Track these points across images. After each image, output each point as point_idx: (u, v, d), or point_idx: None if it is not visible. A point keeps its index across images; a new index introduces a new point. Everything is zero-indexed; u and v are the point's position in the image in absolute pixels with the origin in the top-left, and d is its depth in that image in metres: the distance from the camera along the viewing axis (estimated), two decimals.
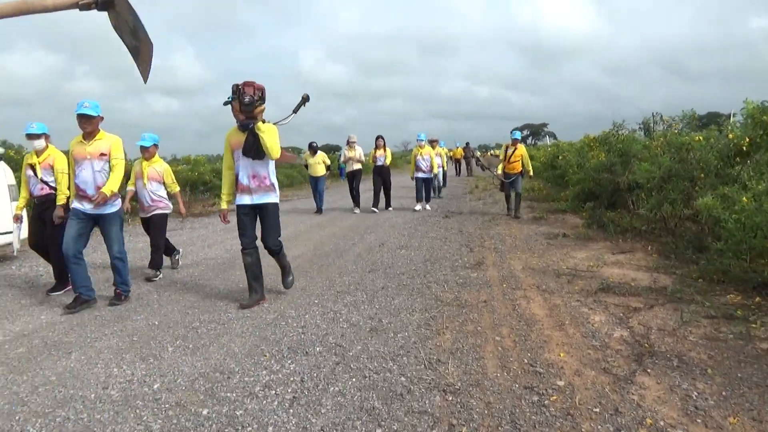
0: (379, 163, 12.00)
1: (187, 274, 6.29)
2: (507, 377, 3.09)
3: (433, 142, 14.51)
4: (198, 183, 15.89)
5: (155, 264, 6.16)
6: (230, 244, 7.98)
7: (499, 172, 10.32)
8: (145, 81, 2.23)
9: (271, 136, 4.44)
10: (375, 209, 11.81)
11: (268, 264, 5.21)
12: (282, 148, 4.65)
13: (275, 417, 2.73)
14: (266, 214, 4.72)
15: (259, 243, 4.81)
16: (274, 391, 3.02)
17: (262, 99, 4.44)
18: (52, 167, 5.32)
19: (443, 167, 15.62)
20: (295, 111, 4.69)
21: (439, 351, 3.52)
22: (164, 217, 6.36)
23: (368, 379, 3.14)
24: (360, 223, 10.30)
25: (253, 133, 4.43)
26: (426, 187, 12.13)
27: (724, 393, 2.81)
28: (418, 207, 11.85)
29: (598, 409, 2.68)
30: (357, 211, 11.98)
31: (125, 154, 5.65)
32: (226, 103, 4.50)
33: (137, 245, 8.07)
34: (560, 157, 14.39)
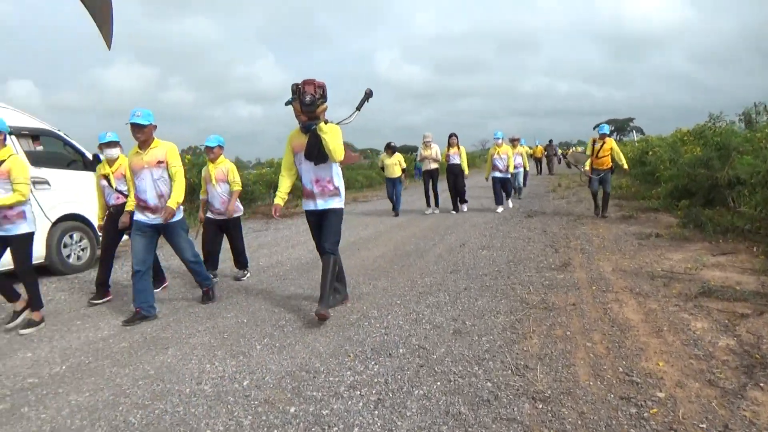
0: (452, 161, 11.68)
1: (273, 273, 6.47)
2: (601, 386, 2.93)
3: (514, 141, 14.12)
4: None
5: (242, 264, 6.37)
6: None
7: (587, 168, 9.79)
8: (109, 47, 2.03)
9: (334, 137, 4.19)
10: (454, 210, 11.66)
11: (348, 265, 5.24)
12: (345, 147, 4.46)
13: (361, 418, 2.73)
14: (328, 218, 4.46)
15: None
16: (359, 392, 3.03)
17: (324, 97, 4.19)
18: (124, 176, 5.43)
19: (525, 166, 15.05)
20: (358, 108, 4.48)
21: (526, 356, 3.39)
22: (237, 220, 6.37)
23: (453, 383, 3.07)
24: (440, 223, 10.22)
25: (315, 135, 4.21)
26: (504, 187, 11.74)
27: None
28: (499, 209, 11.45)
29: (704, 425, 2.48)
30: (434, 211, 11.83)
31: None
32: (287, 104, 4.26)
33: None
34: (650, 153, 13.62)
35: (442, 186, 12.33)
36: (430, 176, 11.93)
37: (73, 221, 7.27)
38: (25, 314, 4.82)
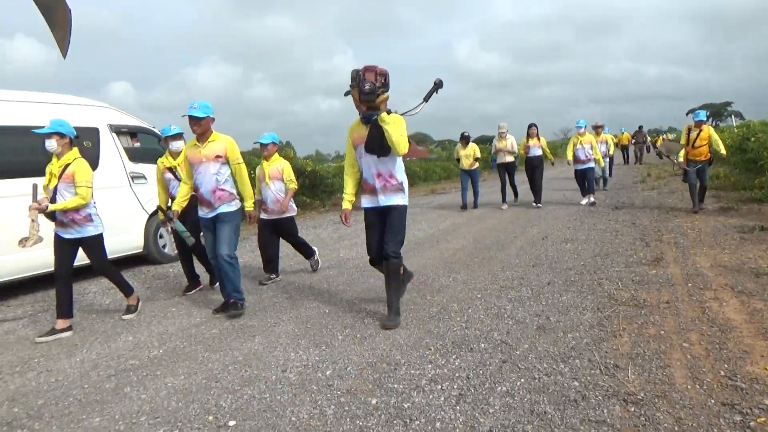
0: (532, 153, 11.11)
1: (353, 265, 6.57)
2: (700, 390, 2.74)
3: (597, 128, 13.45)
4: None
5: (308, 254, 6.37)
6: None
7: (681, 159, 9.02)
8: (64, 56, 1.98)
9: (397, 129, 3.85)
10: (535, 204, 11.06)
11: (427, 257, 5.21)
12: (411, 140, 4.33)
13: (442, 413, 2.71)
14: (391, 216, 4.11)
15: None
16: (440, 386, 3.01)
17: (386, 86, 3.87)
18: None
19: (609, 155, 14.26)
20: (426, 99, 4.15)
21: (616, 355, 3.24)
22: (291, 219, 6.20)
23: (538, 380, 2.98)
24: (520, 215, 9.97)
25: (376, 126, 3.90)
26: (588, 178, 10.96)
27: None
28: (584, 201, 10.86)
29: None
30: (505, 206, 11.31)
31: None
32: (346, 94, 3.98)
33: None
34: (752, 139, 12.57)
35: (521, 177, 11.92)
36: (506, 169, 11.47)
37: None
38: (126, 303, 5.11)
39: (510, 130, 11.51)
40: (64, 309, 4.61)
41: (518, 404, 2.74)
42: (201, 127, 4.53)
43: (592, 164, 10.87)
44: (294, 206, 6.27)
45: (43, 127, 4.50)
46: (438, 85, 4.18)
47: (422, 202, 14.56)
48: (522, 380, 3.00)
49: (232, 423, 2.78)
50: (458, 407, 2.76)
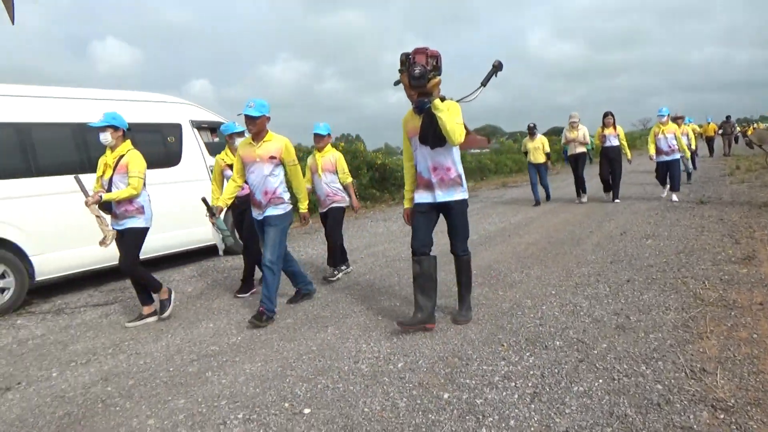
0: (609, 144, 10.41)
1: None
2: None
3: (677, 119, 12.67)
4: None
5: (333, 261, 5.92)
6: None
7: None
8: (12, 21, 1.91)
9: (451, 116, 3.56)
10: (613, 198, 10.51)
11: (499, 252, 5.12)
12: (470, 129, 3.98)
13: (516, 411, 2.66)
14: (453, 215, 3.89)
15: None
16: (513, 383, 2.95)
17: (438, 69, 3.56)
18: None
19: (693, 147, 13.33)
20: (483, 83, 3.83)
21: (703, 358, 3.06)
22: (341, 210, 5.94)
23: (617, 381, 2.87)
24: (596, 209, 9.61)
25: (429, 114, 3.60)
26: (670, 172, 10.05)
27: None
28: (664, 194, 10.29)
29: None
30: (583, 200, 10.82)
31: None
32: (396, 83, 3.70)
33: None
34: None
35: (592, 171, 11.38)
36: (576, 161, 10.87)
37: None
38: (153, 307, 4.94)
39: (582, 121, 10.92)
40: (145, 297, 4.85)
41: (596, 405, 2.65)
42: (256, 126, 4.43)
43: (676, 156, 9.89)
44: (346, 197, 5.99)
45: (102, 119, 4.55)
46: (497, 67, 3.87)
47: (493, 195, 14.33)
48: (600, 381, 2.90)
49: (307, 411, 2.85)
50: (533, 406, 2.70)
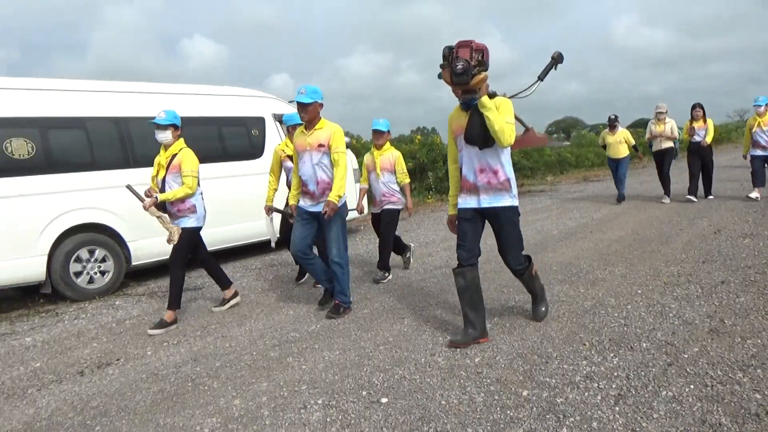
0: (697, 138, 9.48)
1: (496, 254, 6.44)
2: None
3: None
4: None
5: (383, 264, 5.66)
6: (545, 224, 7.95)
7: None
8: None
9: (501, 115, 3.27)
10: (692, 198, 9.52)
11: (581, 248, 4.95)
12: (529, 126, 3.72)
13: (599, 412, 2.57)
14: (501, 222, 3.54)
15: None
16: (596, 384, 2.85)
17: (483, 64, 3.24)
18: None
19: None
20: (541, 77, 3.61)
21: None
22: (395, 213, 5.66)
23: (710, 388, 2.71)
24: (686, 206, 9.06)
25: (477, 111, 3.31)
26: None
27: None
28: (753, 194, 9.12)
29: None
30: (664, 201, 9.80)
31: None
32: (439, 76, 3.38)
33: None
34: None
35: (682, 165, 10.53)
36: (662, 158, 9.89)
37: None
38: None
39: (670, 113, 9.86)
40: (223, 281, 5.04)
41: (687, 412, 2.51)
42: (308, 113, 4.25)
43: None
44: (402, 199, 5.70)
45: (165, 117, 4.49)
46: (556, 60, 3.64)
47: (573, 190, 13.85)
48: (691, 386, 2.75)
49: (384, 400, 2.90)
50: (617, 408, 2.60)
